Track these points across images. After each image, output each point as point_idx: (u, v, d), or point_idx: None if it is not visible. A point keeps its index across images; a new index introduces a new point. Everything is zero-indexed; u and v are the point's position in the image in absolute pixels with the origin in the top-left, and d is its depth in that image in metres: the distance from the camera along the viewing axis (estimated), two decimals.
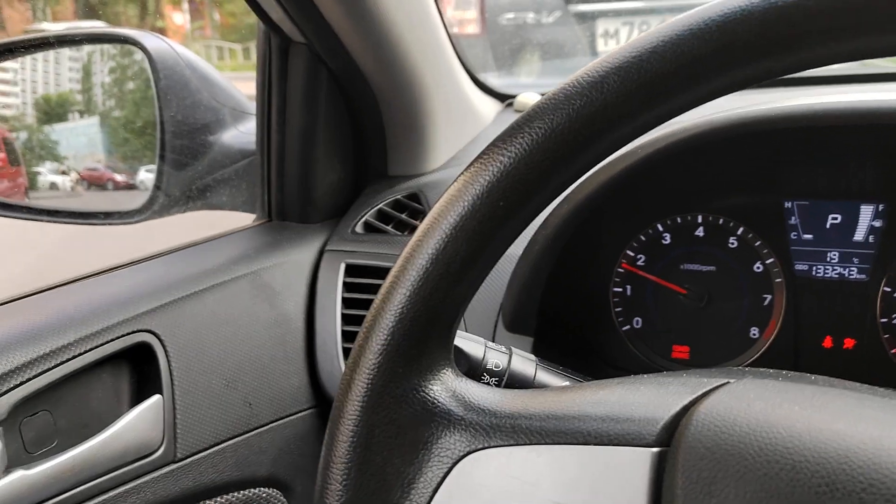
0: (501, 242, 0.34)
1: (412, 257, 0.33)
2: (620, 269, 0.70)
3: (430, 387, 0.33)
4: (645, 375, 0.35)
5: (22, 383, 0.47)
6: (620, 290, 0.70)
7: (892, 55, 0.30)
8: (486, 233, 0.33)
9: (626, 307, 0.70)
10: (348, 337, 0.68)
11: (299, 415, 0.67)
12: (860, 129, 0.58)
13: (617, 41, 3.19)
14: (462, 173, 0.34)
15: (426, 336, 0.33)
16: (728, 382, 0.31)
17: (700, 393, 0.30)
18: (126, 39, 0.76)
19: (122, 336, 0.53)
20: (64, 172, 0.98)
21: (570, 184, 0.34)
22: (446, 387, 0.34)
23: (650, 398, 0.31)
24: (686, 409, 0.30)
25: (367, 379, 0.32)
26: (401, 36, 0.70)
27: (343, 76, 0.73)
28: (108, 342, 0.52)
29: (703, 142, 0.58)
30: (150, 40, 0.75)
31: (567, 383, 0.47)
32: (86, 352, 0.51)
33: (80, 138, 1.08)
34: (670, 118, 0.32)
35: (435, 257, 0.32)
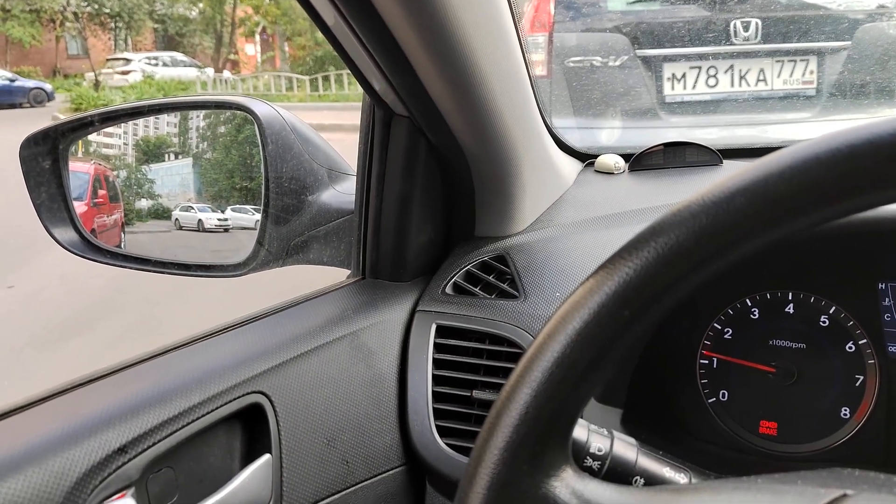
0: (622, 348, 0.36)
1: (537, 358, 0.36)
2: (707, 343, 0.70)
3: (552, 483, 0.35)
4: (759, 478, 0.36)
5: (153, 445, 0.50)
6: (707, 362, 0.71)
7: None
8: (609, 339, 0.35)
9: (712, 379, 0.70)
10: (438, 397, 0.71)
11: (391, 472, 0.69)
12: None
13: (684, 86, 3.19)
14: (587, 279, 0.36)
15: (548, 435, 0.35)
16: (844, 495, 0.32)
17: None
18: (239, 107, 0.81)
19: (239, 398, 0.57)
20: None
21: (691, 294, 0.36)
22: (566, 484, 0.36)
23: None
24: None
25: (491, 473, 0.35)
26: (498, 107, 0.73)
27: (440, 145, 0.77)
28: (226, 403, 0.56)
29: (806, 234, 0.59)
30: (260, 107, 0.80)
31: (669, 470, 0.48)
32: (207, 413, 0.54)
33: (175, 178, 1.14)
34: (786, 238, 0.34)
35: (559, 361, 0.35)
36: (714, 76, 3.16)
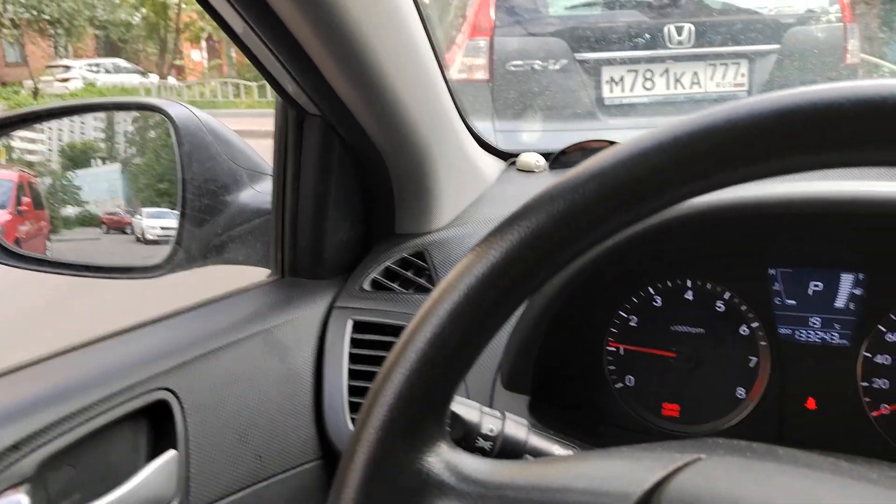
0: (492, 327, 0.37)
1: (411, 340, 0.37)
2: (614, 331, 0.73)
3: (426, 459, 0.37)
4: (625, 448, 0.38)
5: (49, 441, 0.50)
6: (614, 349, 0.73)
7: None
8: (478, 319, 0.37)
9: (619, 366, 0.73)
10: (355, 391, 0.72)
11: (306, 466, 0.70)
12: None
13: (622, 88, 3.26)
14: (458, 264, 0.38)
15: (423, 413, 0.37)
16: (699, 458, 0.35)
17: (671, 469, 0.34)
18: (152, 108, 0.81)
19: (143, 394, 0.57)
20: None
21: (554, 276, 0.38)
22: (441, 458, 0.37)
23: (627, 473, 0.34)
24: (657, 486, 0.33)
25: (368, 451, 0.36)
26: (407, 106, 0.74)
27: (354, 144, 0.78)
28: (128, 400, 0.56)
29: (697, 220, 0.62)
30: (174, 108, 0.81)
31: (558, 448, 0.50)
32: (108, 410, 0.55)
33: (102, 184, 1.13)
34: (639, 221, 0.36)
35: (431, 341, 0.36)
36: (650, 79, 3.24)
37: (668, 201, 0.36)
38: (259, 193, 0.88)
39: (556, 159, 1.06)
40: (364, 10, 0.61)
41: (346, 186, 0.81)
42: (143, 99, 0.89)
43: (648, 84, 3.23)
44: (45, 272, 0.89)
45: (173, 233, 0.93)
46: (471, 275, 0.37)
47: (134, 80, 22.55)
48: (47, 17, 26.51)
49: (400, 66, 0.70)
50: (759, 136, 0.32)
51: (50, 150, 1.08)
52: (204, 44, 28.19)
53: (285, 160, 0.78)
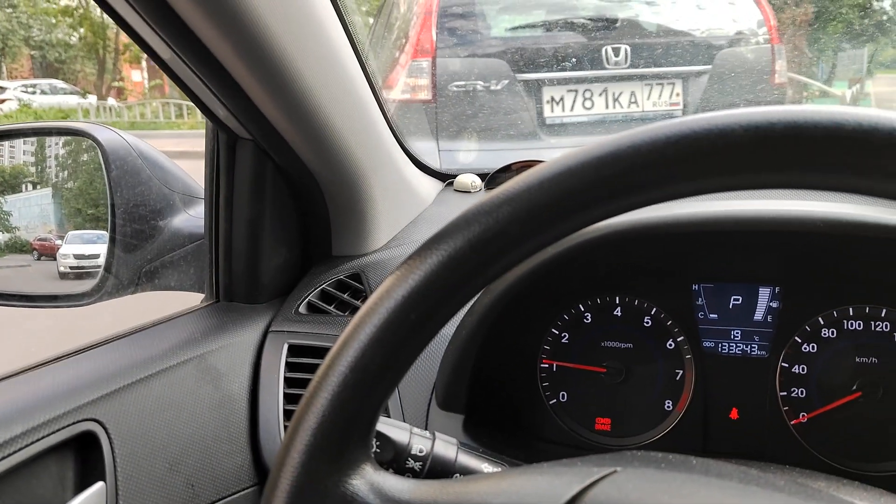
0: (413, 350, 0.38)
1: (333, 365, 0.38)
2: (546, 348, 0.75)
3: (351, 481, 0.37)
4: (546, 463, 0.39)
5: None
6: (547, 366, 0.75)
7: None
8: (398, 342, 0.37)
9: (552, 382, 0.75)
10: (290, 415, 0.72)
11: (242, 493, 0.69)
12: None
13: (563, 108, 3.33)
14: (378, 288, 0.39)
15: (346, 436, 0.37)
16: (615, 471, 0.36)
17: (588, 483, 0.35)
18: (78, 132, 0.80)
19: (68, 426, 0.56)
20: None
21: (473, 297, 0.39)
22: (365, 480, 0.38)
23: (545, 488, 0.35)
24: (574, 499, 0.34)
25: (292, 476, 0.36)
26: (339, 130, 0.75)
27: (287, 167, 0.78)
28: (53, 433, 0.55)
29: (621, 237, 0.64)
30: (102, 132, 0.80)
31: (487, 466, 0.51)
32: (32, 443, 0.53)
33: (33, 209, 1.10)
34: (553, 243, 0.38)
35: (352, 365, 0.37)
36: (590, 98, 3.32)
37: (578, 224, 0.37)
38: (192, 217, 0.87)
39: (492, 179, 1.08)
40: (290, 34, 0.61)
41: (280, 210, 0.81)
42: (70, 124, 0.88)
43: (588, 103, 3.31)
44: None
45: (89, 262, 0.92)
46: (390, 299, 0.38)
47: (72, 101, 21.95)
48: None
49: (329, 90, 0.71)
50: (658, 161, 0.34)
51: None
52: (144, 64, 27.68)
53: (218, 184, 0.78)
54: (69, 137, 0.90)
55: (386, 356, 0.37)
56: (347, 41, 0.72)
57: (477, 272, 0.38)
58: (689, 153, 0.34)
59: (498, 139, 3.27)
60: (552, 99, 3.28)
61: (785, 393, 0.68)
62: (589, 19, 3.47)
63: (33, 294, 0.84)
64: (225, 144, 0.76)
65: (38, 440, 0.54)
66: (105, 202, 1.00)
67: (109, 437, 0.58)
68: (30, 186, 1.08)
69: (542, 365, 0.75)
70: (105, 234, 0.96)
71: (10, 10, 25.69)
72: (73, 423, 0.56)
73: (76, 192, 1.06)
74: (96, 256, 0.95)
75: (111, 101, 21.66)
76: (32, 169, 1.06)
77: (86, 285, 0.82)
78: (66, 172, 1.06)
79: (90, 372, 0.62)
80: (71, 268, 0.95)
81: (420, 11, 3.46)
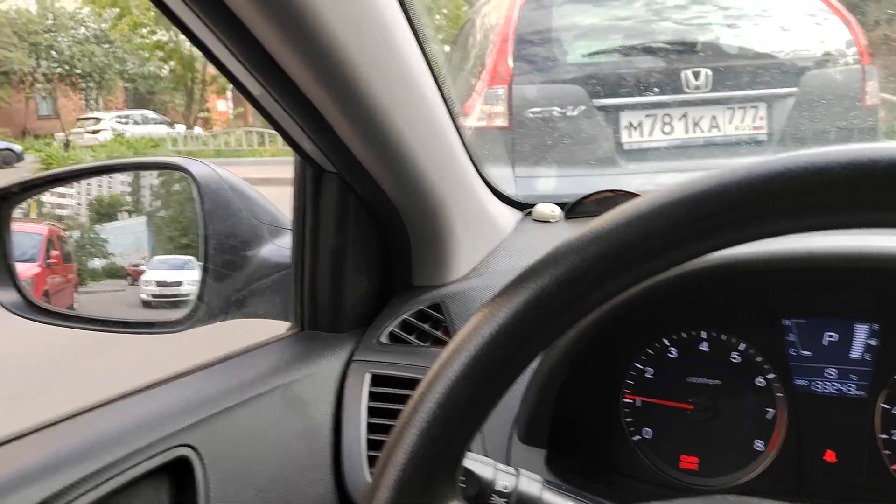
0: (500, 388, 0.38)
1: (422, 401, 0.38)
2: (630, 383, 0.73)
3: None
4: None
5: (73, 501, 0.51)
6: (631, 401, 0.73)
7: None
8: (486, 380, 0.38)
9: (636, 418, 0.73)
10: (373, 445, 0.72)
11: None
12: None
13: (641, 133, 3.29)
14: (467, 324, 0.39)
15: (435, 472, 0.37)
16: None
17: None
18: (174, 167, 0.84)
19: (164, 451, 0.58)
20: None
21: (562, 335, 0.39)
22: None
23: None
24: None
25: None
26: (421, 161, 0.76)
27: (370, 199, 0.80)
28: (150, 457, 0.57)
29: (710, 274, 0.63)
30: (196, 166, 0.83)
31: None
32: (131, 467, 0.56)
33: (128, 237, 1.16)
34: (643, 281, 0.37)
35: (441, 402, 0.37)
36: (669, 123, 3.27)
37: (669, 263, 0.36)
38: (279, 248, 0.90)
39: (573, 209, 1.07)
40: (375, 68, 0.63)
41: (363, 240, 0.83)
42: (166, 158, 0.93)
43: (667, 128, 3.25)
44: (69, 327, 0.91)
45: (171, 290, 0.96)
46: (479, 336, 0.38)
47: (161, 130, 23.11)
48: (79, 72, 27.42)
49: (412, 122, 0.72)
50: (754, 200, 0.33)
51: (79, 203, 1.12)
52: (229, 94, 28.91)
53: (304, 216, 0.80)
54: (165, 171, 0.95)
55: (474, 393, 0.38)
56: (428, 72, 0.74)
57: (566, 311, 0.38)
58: (787, 191, 0.33)
59: (575, 165, 3.25)
60: (630, 124, 3.24)
61: (885, 436, 0.65)
62: (667, 43, 3.42)
63: (129, 321, 0.88)
64: (311, 178, 0.79)
65: (137, 464, 0.56)
66: (194, 231, 1.05)
67: (203, 463, 0.60)
68: (125, 215, 1.14)
69: (626, 400, 0.74)
70: (190, 260, 1.00)
71: (107, 46, 27.36)
72: (169, 449, 0.59)
73: (168, 220, 1.11)
74: (178, 284, 0.99)
75: (197, 130, 22.69)
76: (129, 198, 1.12)
77: (179, 313, 0.85)
78: (159, 202, 1.12)
79: (183, 399, 0.65)
80: (153, 296, 1.00)
81: (496, 39, 3.49)
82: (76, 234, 1.19)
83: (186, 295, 0.99)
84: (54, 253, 1.20)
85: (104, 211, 1.12)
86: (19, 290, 0.90)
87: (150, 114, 25.96)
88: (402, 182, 0.77)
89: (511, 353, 0.38)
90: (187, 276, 0.99)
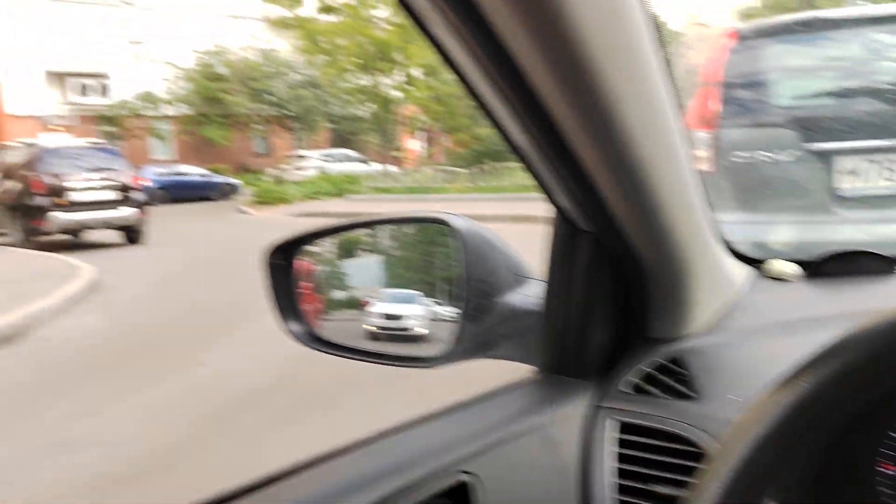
0: (800, 454, 0.42)
1: (724, 457, 0.42)
2: (885, 451, 0.72)
3: None
4: None
5: None
6: (887, 471, 0.72)
7: None
8: (787, 446, 0.41)
9: (893, 489, 0.71)
10: (623, 490, 0.77)
11: None
12: None
13: (860, 179, 3.07)
14: (769, 392, 0.43)
15: None
16: None
17: None
18: (441, 221, 0.95)
19: (448, 476, 0.67)
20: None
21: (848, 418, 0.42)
22: None
23: None
24: None
25: None
26: (672, 216, 0.79)
27: (620, 256, 0.85)
28: (436, 482, 0.66)
29: None
30: (459, 221, 0.93)
31: None
32: (421, 489, 0.65)
33: (366, 273, 1.28)
34: None
35: (745, 460, 0.41)
36: (892, 169, 3.03)
37: None
38: (524, 296, 0.97)
39: (809, 268, 1.05)
40: (644, 126, 0.67)
41: (609, 294, 0.88)
42: (433, 213, 1.04)
43: (890, 174, 3.02)
44: (340, 356, 1.04)
45: (395, 323, 1.05)
46: (782, 405, 0.42)
47: (359, 167, 24.81)
48: (291, 114, 30.27)
49: (667, 178, 0.75)
50: None
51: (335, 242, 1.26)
52: (421, 134, 30.46)
53: (557, 270, 0.87)
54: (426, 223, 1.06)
55: (774, 456, 0.41)
56: (681, 125, 0.76)
57: (871, 388, 0.41)
58: None
59: (784, 212, 3.10)
60: (847, 170, 3.05)
61: None
62: (890, 84, 3.18)
63: (398, 354, 1.00)
64: (566, 235, 0.86)
65: (425, 486, 0.65)
66: (424, 271, 1.16)
67: (482, 489, 0.68)
68: (364, 253, 1.27)
69: (880, 468, 0.72)
70: (416, 295, 1.10)
71: (315, 90, 29.98)
72: (452, 475, 0.67)
73: (402, 260, 1.23)
74: (398, 317, 1.09)
75: (391, 167, 24.09)
76: (369, 239, 1.25)
77: (435, 350, 0.96)
78: (397, 242, 1.24)
79: (456, 431, 0.74)
80: (379, 328, 1.10)
81: (702, 82, 3.43)
82: (324, 268, 1.34)
83: (407, 329, 1.09)
84: (306, 285, 1.36)
85: (348, 249, 1.26)
86: (303, 322, 1.05)
87: (350, 152, 28.02)
88: (653, 239, 0.81)
89: (811, 423, 0.41)
90: (412, 310, 1.09)
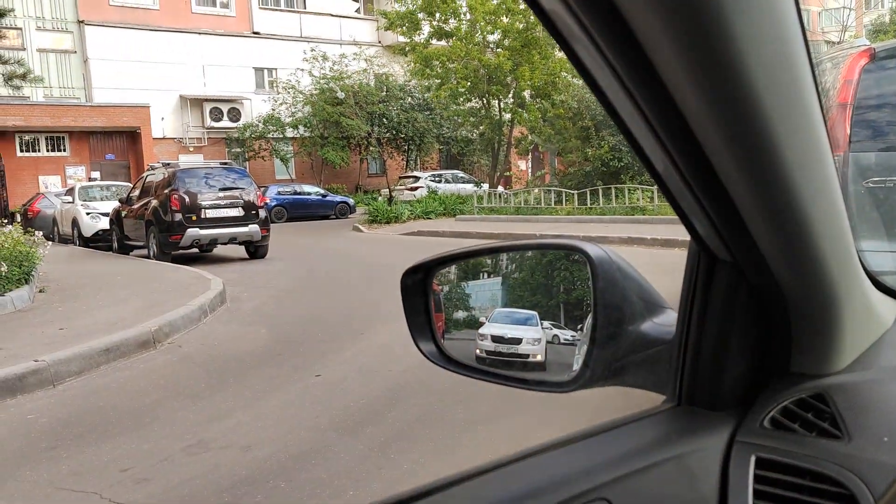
0: None
1: None
2: None
3: None
4: None
5: None
6: None
7: None
8: None
9: None
10: None
11: None
12: None
13: None
14: None
15: None
16: None
17: None
18: (573, 248, 0.97)
19: (588, 502, 0.68)
20: None
21: None
22: None
23: None
24: None
25: None
26: (820, 247, 0.77)
27: (760, 287, 0.84)
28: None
29: None
30: (592, 248, 0.94)
31: None
32: None
33: (486, 293, 1.31)
34: None
35: None
36: None
37: None
38: (655, 324, 0.97)
39: None
40: (798, 159, 0.65)
41: (747, 325, 0.87)
42: (567, 241, 1.06)
43: None
44: (471, 377, 1.07)
45: (509, 348, 1.06)
46: None
47: (468, 188, 25.07)
48: (403, 136, 31.06)
49: (817, 203, 0.72)
50: None
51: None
52: (529, 155, 30.44)
53: (692, 299, 0.86)
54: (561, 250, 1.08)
55: None
56: (828, 143, 0.72)
57: None
58: None
59: None
60: None
61: None
62: None
63: (526, 378, 1.02)
64: (704, 265, 0.85)
65: None
66: (541, 293, 1.17)
67: None
68: (485, 275, 1.30)
69: None
70: (533, 315, 1.11)
71: (427, 113, 30.64)
72: (592, 501, 0.68)
73: (521, 281, 1.24)
74: (517, 342, 1.10)
75: (500, 188, 24.18)
76: (488, 261, 1.28)
77: (566, 374, 0.97)
78: (513, 265, 1.25)
79: (594, 458, 0.74)
80: (487, 352, 1.10)
81: (831, 104, 3.28)
82: (446, 288, 1.37)
83: (524, 357, 1.10)
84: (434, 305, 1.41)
85: (472, 269, 1.29)
86: (436, 343, 1.09)
87: (460, 173, 28.42)
88: (798, 270, 0.79)
89: None
90: (529, 332, 1.10)
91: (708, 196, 0.72)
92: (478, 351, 1.11)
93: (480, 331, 1.14)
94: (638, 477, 0.74)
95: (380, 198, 25.28)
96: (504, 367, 1.09)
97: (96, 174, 27.91)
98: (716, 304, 0.85)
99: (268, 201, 18.54)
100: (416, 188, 26.20)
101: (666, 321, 0.94)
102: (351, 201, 28.22)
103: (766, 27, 0.56)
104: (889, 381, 0.85)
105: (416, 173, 28.87)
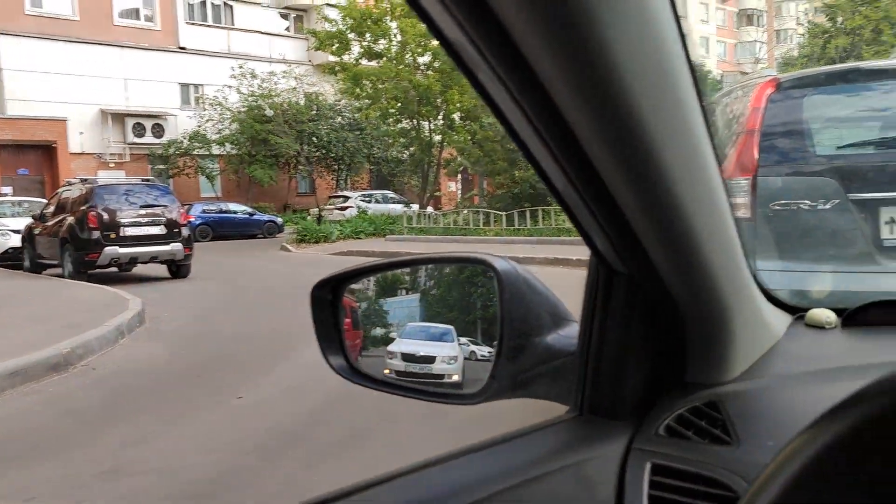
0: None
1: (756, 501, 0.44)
2: None
3: None
4: None
5: None
6: None
7: None
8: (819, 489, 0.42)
9: None
10: None
11: None
12: None
13: None
14: (797, 436, 0.44)
15: None
16: None
17: None
18: (480, 262, 0.98)
19: None
20: None
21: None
22: None
23: None
24: None
25: None
26: (710, 260, 0.81)
27: (656, 299, 0.87)
28: None
29: None
30: (499, 262, 0.96)
31: None
32: None
33: (403, 310, 1.31)
34: None
35: None
36: None
37: None
38: (560, 336, 0.99)
39: (850, 317, 1.05)
40: (680, 167, 0.69)
41: (644, 336, 0.90)
42: (473, 255, 1.08)
43: None
44: (382, 391, 1.07)
45: (420, 367, 1.06)
46: (812, 448, 0.43)
47: (398, 208, 25.11)
48: (333, 155, 30.88)
49: (705, 218, 0.76)
50: None
51: (368, 280, 1.30)
52: (459, 177, 30.75)
53: (593, 311, 0.89)
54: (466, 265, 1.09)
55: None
56: (716, 162, 0.76)
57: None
58: None
59: (825, 262, 3.06)
60: (892, 219, 3.00)
61: None
62: None
63: (432, 391, 1.02)
64: (603, 277, 0.88)
65: None
66: (458, 308, 1.18)
67: None
68: (403, 292, 1.30)
69: None
70: (450, 330, 1.12)
71: (358, 133, 30.59)
72: None
73: (439, 298, 1.25)
74: (430, 360, 1.11)
75: (429, 209, 24.30)
76: (407, 277, 1.28)
77: (473, 387, 0.98)
78: (434, 281, 1.26)
79: (492, 466, 0.75)
80: (397, 372, 1.09)
81: (740, 130, 3.44)
82: (364, 305, 1.37)
83: (438, 377, 1.10)
84: (346, 320, 1.40)
85: (389, 286, 1.29)
86: (346, 357, 1.08)
87: (390, 193, 28.45)
88: (690, 282, 0.83)
89: (842, 470, 0.42)
90: (444, 349, 1.11)
91: (602, 212, 0.76)
92: (386, 371, 1.10)
93: (390, 348, 1.13)
94: (535, 484, 0.76)
95: (309, 217, 24.98)
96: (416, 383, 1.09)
97: (8, 189, 26.57)
98: (615, 315, 0.88)
99: (192, 219, 18.07)
100: (345, 208, 26.07)
101: (571, 333, 0.97)
102: (279, 220, 27.77)
103: (648, 52, 0.60)
104: (778, 389, 0.90)
105: (346, 193, 28.74)
